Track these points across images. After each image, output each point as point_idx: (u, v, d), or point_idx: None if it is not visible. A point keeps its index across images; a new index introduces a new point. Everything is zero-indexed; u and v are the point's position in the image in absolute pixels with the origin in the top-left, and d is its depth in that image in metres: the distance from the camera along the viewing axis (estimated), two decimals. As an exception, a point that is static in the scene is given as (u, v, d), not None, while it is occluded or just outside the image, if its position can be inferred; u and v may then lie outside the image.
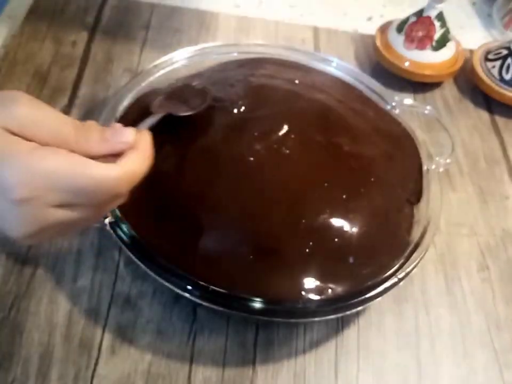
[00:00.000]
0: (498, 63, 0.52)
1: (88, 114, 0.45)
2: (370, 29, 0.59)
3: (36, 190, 0.21)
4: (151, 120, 0.32)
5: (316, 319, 0.34)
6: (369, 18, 0.62)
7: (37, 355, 0.32)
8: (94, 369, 0.32)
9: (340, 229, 0.34)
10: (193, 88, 0.39)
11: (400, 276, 0.33)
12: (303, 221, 0.33)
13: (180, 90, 0.39)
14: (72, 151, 0.22)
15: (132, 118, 0.38)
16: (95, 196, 0.23)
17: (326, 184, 0.35)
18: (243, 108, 0.38)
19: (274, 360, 0.34)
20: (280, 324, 0.35)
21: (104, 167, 0.22)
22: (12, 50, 0.49)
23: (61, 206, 0.22)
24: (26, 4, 0.54)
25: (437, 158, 0.40)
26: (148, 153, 0.25)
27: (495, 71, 0.52)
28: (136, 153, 0.24)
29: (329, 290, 0.32)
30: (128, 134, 0.24)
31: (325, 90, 0.43)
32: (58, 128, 0.22)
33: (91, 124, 0.24)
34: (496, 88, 0.52)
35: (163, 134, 0.37)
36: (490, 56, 0.54)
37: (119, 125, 0.25)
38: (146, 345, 0.33)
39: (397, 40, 0.53)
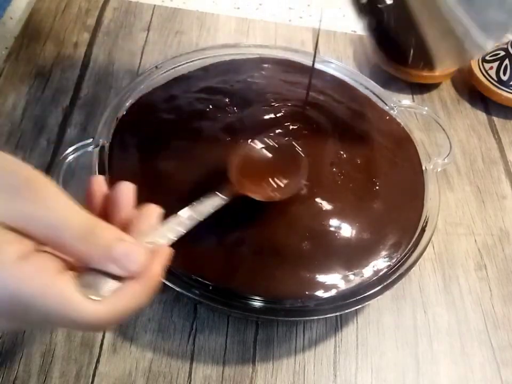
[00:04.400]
0: (495, 64, 0.53)
1: (90, 115, 0.45)
2: (369, 30, 0.60)
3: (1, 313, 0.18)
4: (213, 204, 0.26)
5: (315, 317, 0.35)
6: (368, 20, 0.63)
7: (39, 353, 0.32)
8: (96, 367, 0.32)
9: (340, 230, 0.34)
10: (289, 149, 0.32)
11: (398, 275, 0.33)
12: (303, 221, 0.34)
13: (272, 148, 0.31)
14: (69, 256, 0.19)
15: (133, 119, 0.39)
16: (64, 326, 0.20)
17: (326, 185, 0.36)
18: (241, 108, 0.38)
19: (274, 358, 0.34)
20: (279, 322, 0.36)
21: (90, 306, 0.19)
22: (14, 52, 0.49)
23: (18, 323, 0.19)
24: (28, 6, 0.54)
25: (435, 158, 0.40)
26: (152, 286, 0.20)
27: (492, 72, 0.53)
28: (137, 286, 0.20)
29: (328, 289, 0.32)
30: (137, 262, 0.20)
31: (325, 91, 0.43)
32: (61, 228, 0.19)
33: (107, 227, 0.20)
34: (494, 89, 0.52)
35: (161, 131, 0.38)
36: (487, 58, 0.54)
37: (141, 236, 0.21)
38: (147, 343, 0.34)
39: (395, 42, 0.53)
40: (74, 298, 0.18)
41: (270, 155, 0.32)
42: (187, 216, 0.25)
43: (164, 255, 0.22)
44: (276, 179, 0.31)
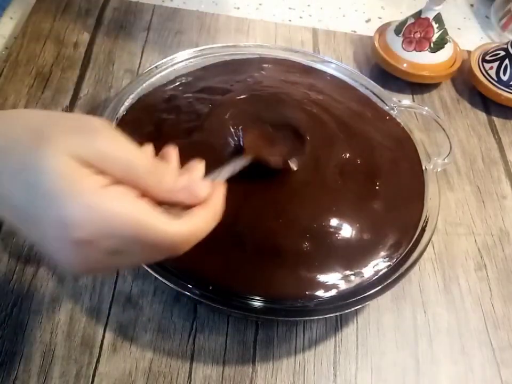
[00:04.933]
0: (495, 64, 0.53)
1: (90, 115, 0.45)
2: (369, 30, 0.60)
3: (95, 234, 0.20)
4: (236, 165, 0.29)
5: (315, 317, 0.35)
6: (368, 20, 0.63)
7: (39, 353, 0.32)
8: (96, 367, 0.32)
9: (340, 230, 0.34)
10: (290, 125, 0.36)
11: (398, 275, 0.33)
12: (303, 220, 0.34)
13: (274, 125, 0.35)
14: (141, 191, 0.21)
15: (133, 118, 0.39)
16: (152, 250, 0.21)
17: (326, 185, 0.36)
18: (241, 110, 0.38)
19: (274, 358, 0.34)
20: (279, 322, 0.36)
21: (169, 224, 0.21)
22: (14, 52, 0.49)
23: (118, 252, 0.21)
24: (28, 6, 0.54)
25: (435, 158, 0.40)
26: (218, 212, 0.23)
27: (492, 72, 0.53)
28: (205, 211, 0.23)
29: (328, 289, 0.32)
30: (202, 189, 0.23)
31: (325, 91, 0.43)
32: (133, 165, 0.21)
33: (168, 165, 0.23)
34: (494, 89, 0.52)
35: (161, 131, 0.37)
36: (488, 58, 0.54)
37: (196, 173, 0.24)
38: (147, 343, 0.34)
39: (395, 42, 0.53)
40: (161, 218, 0.21)
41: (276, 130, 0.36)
42: (221, 173, 0.27)
43: (222, 186, 0.24)
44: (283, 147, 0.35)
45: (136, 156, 0.21)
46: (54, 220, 0.19)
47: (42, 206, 0.19)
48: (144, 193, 0.21)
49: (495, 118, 0.53)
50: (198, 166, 0.24)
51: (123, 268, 0.23)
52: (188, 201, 0.22)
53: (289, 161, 0.34)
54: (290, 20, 0.60)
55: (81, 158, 0.20)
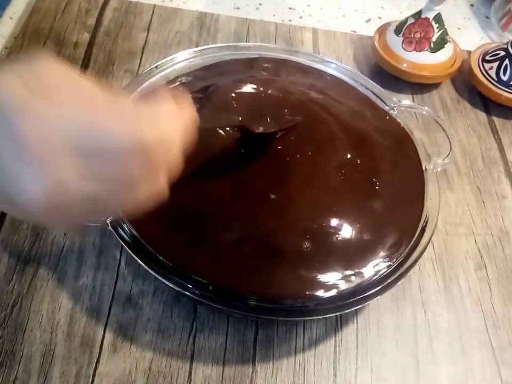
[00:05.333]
0: (495, 64, 0.53)
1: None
2: (369, 30, 0.60)
3: (53, 145, 0.18)
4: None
5: (315, 317, 0.35)
6: (368, 20, 0.63)
7: (39, 353, 0.32)
8: (96, 367, 0.32)
9: (340, 230, 0.34)
10: (270, 99, 0.36)
11: (398, 275, 0.33)
12: (303, 220, 0.34)
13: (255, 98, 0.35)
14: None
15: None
16: (124, 158, 0.19)
17: (326, 185, 0.36)
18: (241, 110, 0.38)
19: (274, 358, 0.34)
20: (279, 322, 0.36)
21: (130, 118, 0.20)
22: (13, 52, 0.49)
23: (84, 176, 0.19)
24: (28, 6, 0.54)
25: (435, 158, 0.40)
26: (190, 113, 0.22)
27: (492, 72, 0.53)
28: (172, 103, 0.21)
29: (328, 289, 0.32)
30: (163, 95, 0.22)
31: (325, 91, 0.43)
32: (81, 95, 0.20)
33: (124, 100, 0.22)
34: (494, 89, 0.52)
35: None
36: (488, 58, 0.54)
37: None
38: (147, 343, 0.34)
39: (395, 42, 0.53)
40: (116, 119, 0.20)
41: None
42: None
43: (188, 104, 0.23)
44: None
45: (90, 86, 0.20)
46: (10, 140, 0.18)
47: None
48: None
49: (495, 118, 0.53)
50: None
51: (100, 210, 0.21)
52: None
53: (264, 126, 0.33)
54: (290, 20, 0.60)
55: (31, 84, 0.19)
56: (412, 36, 0.52)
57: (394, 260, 0.34)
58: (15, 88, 0.19)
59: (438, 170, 0.40)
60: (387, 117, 0.43)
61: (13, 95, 0.18)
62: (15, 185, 0.19)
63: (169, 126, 0.21)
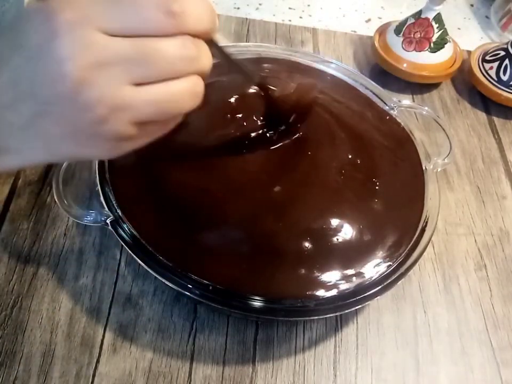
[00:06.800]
0: (495, 64, 0.53)
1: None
2: (369, 30, 0.60)
3: (96, 65, 0.18)
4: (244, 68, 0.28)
5: (315, 317, 0.35)
6: (368, 20, 0.63)
7: (39, 353, 0.32)
8: (96, 367, 0.32)
9: (340, 230, 0.34)
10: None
11: (398, 275, 0.33)
12: (303, 220, 0.34)
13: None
14: None
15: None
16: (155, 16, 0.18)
17: (327, 186, 0.36)
18: (241, 109, 0.38)
19: (274, 358, 0.34)
20: (279, 322, 0.36)
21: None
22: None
23: (116, 33, 0.18)
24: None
25: (435, 158, 0.40)
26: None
27: (492, 72, 0.53)
28: None
29: (329, 289, 0.32)
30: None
31: (325, 91, 0.43)
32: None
33: None
34: (494, 89, 0.52)
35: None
36: (487, 58, 0.54)
37: None
38: (147, 343, 0.34)
39: (396, 42, 0.53)
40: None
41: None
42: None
43: None
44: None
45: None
46: (50, 62, 0.18)
47: (40, 55, 0.18)
48: None
49: (495, 118, 0.53)
50: None
51: (152, 128, 0.21)
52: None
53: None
54: (290, 20, 0.60)
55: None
56: (412, 35, 0.52)
57: (394, 260, 0.34)
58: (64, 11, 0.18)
59: (438, 170, 0.40)
60: (387, 117, 0.43)
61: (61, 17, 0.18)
62: (47, 56, 0.18)
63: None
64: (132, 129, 0.20)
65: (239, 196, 0.33)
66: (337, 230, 0.34)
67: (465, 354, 0.36)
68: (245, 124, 0.37)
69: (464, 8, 0.67)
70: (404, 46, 0.53)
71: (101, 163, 0.35)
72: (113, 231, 0.32)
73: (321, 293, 0.32)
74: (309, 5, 0.63)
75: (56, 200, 0.32)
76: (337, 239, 0.34)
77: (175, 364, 0.33)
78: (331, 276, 0.32)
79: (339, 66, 0.46)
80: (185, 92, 0.21)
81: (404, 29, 0.53)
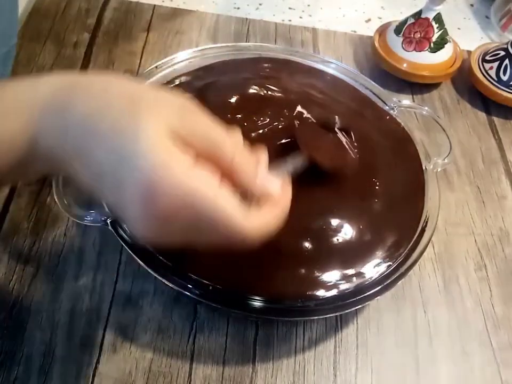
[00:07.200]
0: (495, 64, 0.53)
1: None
2: (369, 30, 0.60)
3: (176, 208, 0.20)
4: (295, 164, 0.29)
5: (315, 317, 0.35)
6: (368, 20, 0.63)
7: (39, 353, 0.32)
8: (96, 367, 0.32)
9: (340, 230, 0.34)
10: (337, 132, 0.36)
11: (398, 275, 0.33)
12: (303, 220, 0.34)
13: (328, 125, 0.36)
14: (222, 172, 0.21)
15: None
16: (224, 236, 0.22)
17: (326, 185, 0.36)
18: (241, 109, 0.38)
19: (274, 358, 0.34)
20: (279, 322, 0.36)
21: (245, 218, 0.21)
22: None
23: (189, 229, 0.21)
24: (28, 6, 0.54)
25: (435, 158, 0.40)
26: (286, 212, 0.24)
27: (492, 72, 0.53)
28: (276, 209, 0.23)
29: (329, 289, 0.32)
30: (275, 187, 0.24)
31: (325, 91, 0.43)
32: (220, 145, 0.22)
33: (248, 153, 0.23)
34: (494, 89, 0.52)
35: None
36: (487, 58, 0.54)
37: (265, 164, 0.24)
38: (147, 343, 0.34)
39: (396, 42, 0.53)
40: (239, 209, 0.21)
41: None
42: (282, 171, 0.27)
43: (289, 187, 0.25)
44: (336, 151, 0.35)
45: (225, 138, 0.22)
46: (143, 187, 0.19)
47: (132, 174, 0.19)
48: (224, 175, 0.22)
49: (495, 118, 0.53)
50: (263, 156, 0.24)
51: (189, 246, 0.23)
52: (260, 195, 0.23)
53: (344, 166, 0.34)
54: (290, 20, 0.60)
55: (174, 130, 0.20)
56: (412, 35, 0.52)
57: (394, 260, 0.34)
58: (162, 137, 0.19)
59: (438, 170, 0.40)
60: (387, 117, 0.43)
61: (159, 145, 0.19)
62: (127, 214, 0.21)
63: (277, 221, 0.23)
64: None
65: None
66: (337, 230, 0.34)
67: (465, 354, 0.36)
68: (245, 124, 0.37)
69: (464, 8, 0.67)
70: (404, 46, 0.53)
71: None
72: (113, 231, 0.32)
73: (321, 293, 0.32)
74: (309, 5, 0.63)
75: (56, 200, 0.32)
76: (337, 239, 0.34)
77: (175, 364, 0.33)
78: (331, 276, 0.32)
79: (339, 66, 0.46)
80: None
81: (404, 29, 0.53)
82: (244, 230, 0.21)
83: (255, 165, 0.23)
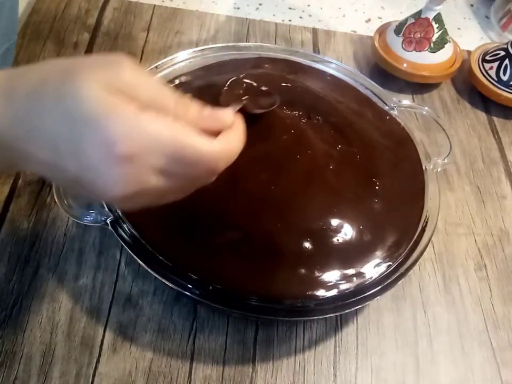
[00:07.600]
0: (495, 64, 0.53)
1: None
2: (369, 30, 0.60)
3: (139, 150, 0.20)
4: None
5: (315, 317, 0.35)
6: (368, 20, 0.63)
7: (39, 353, 0.32)
8: (96, 367, 0.32)
9: (340, 230, 0.34)
10: (258, 88, 0.37)
11: (398, 275, 0.33)
12: (304, 221, 0.34)
13: (246, 88, 0.37)
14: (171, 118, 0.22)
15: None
16: (194, 168, 0.22)
17: (326, 185, 0.36)
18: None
19: (274, 358, 0.34)
20: (279, 322, 0.36)
21: (206, 141, 0.22)
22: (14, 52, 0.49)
23: (160, 172, 0.21)
24: (28, 6, 0.54)
25: (435, 158, 0.40)
26: (242, 135, 0.25)
27: (492, 72, 0.53)
28: (233, 132, 0.24)
29: (329, 289, 0.32)
30: (227, 114, 0.24)
31: (325, 90, 0.43)
32: (158, 96, 0.22)
33: (189, 100, 0.24)
34: (494, 89, 0.52)
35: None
36: (487, 58, 0.54)
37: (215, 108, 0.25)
38: (147, 343, 0.34)
39: (396, 42, 0.53)
40: (197, 136, 0.22)
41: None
42: None
43: (240, 117, 0.25)
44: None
45: (161, 88, 0.22)
46: (97, 141, 0.20)
47: (84, 132, 0.20)
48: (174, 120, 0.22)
49: (495, 118, 0.53)
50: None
51: (165, 198, 0.24)
52: (214, 127, 0.24)
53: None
54: (290, 20, 0.60)
55: (112, 87, 0.20)
56: (412, 35, 0.52)
57: (394, 260, 0.34)
58: (101, 93, 0.20)
59: (438, 170, 0.40)
60: (387, 117, 0.43)
61: (101, 99, 0.20)
62: (94, 176, 0.21)
63: (238, 143, 0.24)
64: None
65: (240, 196, 0.33)
66: (337, 230, 0.34)
67: (465, 354, 0.36)
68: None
69: (464, 8, 0.67)
70: (404, 46, 0.53)
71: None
72: (113, 231, 0.32)
73: (321, 293, 0.32)
74: (309, 5, 0.63)
75: (56, 200, 0.32)
76: (337, 239, 0.34)
77: (175, 364, 0.33)
78: (331, 276, 0.32)
79: (339, 66, 0.46)
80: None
81: (404, 29, 0.53)
82: (207, 153, 0.22)
83: (200, 106, 0.24)
